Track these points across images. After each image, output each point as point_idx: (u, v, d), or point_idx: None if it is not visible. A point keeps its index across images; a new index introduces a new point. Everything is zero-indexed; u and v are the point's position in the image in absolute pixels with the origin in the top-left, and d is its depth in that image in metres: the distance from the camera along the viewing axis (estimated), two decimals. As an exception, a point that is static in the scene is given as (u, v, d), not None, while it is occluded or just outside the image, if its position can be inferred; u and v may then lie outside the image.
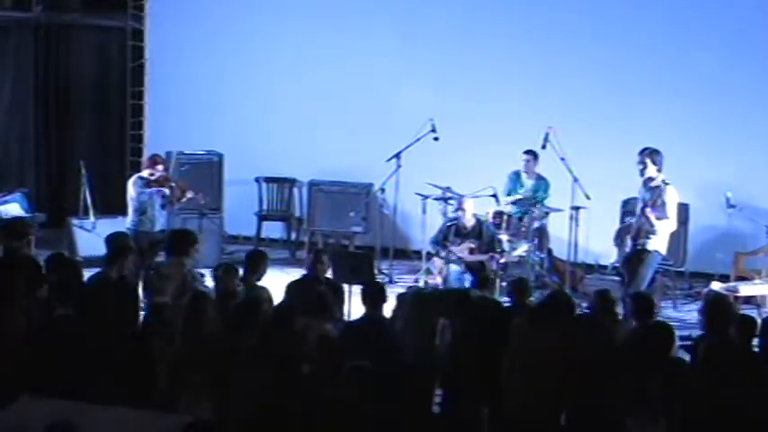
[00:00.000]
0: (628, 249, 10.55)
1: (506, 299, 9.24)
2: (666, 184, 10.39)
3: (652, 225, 10.34)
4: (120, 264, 8.77)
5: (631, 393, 6.94)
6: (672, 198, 10.42)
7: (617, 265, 11.03)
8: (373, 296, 8.11)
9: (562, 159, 11.61)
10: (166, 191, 11.67)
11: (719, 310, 7.70)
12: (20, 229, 9.54)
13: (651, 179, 10.46)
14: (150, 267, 9.57)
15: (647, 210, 10.34)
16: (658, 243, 10.45)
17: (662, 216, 10.36)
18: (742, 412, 6.80)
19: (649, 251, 10.41)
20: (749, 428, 6.86)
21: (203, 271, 9.54)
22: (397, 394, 7.07)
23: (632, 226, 10.57)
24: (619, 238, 10.73)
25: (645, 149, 10.53)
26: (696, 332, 8.32)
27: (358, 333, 7.90)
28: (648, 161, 10.45)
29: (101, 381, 7.33)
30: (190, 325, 7.56)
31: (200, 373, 7.32)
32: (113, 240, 9.20)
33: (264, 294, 8.59)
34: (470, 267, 11.24)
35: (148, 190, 11.54)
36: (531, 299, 8.98)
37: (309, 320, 7.68)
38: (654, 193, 10.40)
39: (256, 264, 8.96)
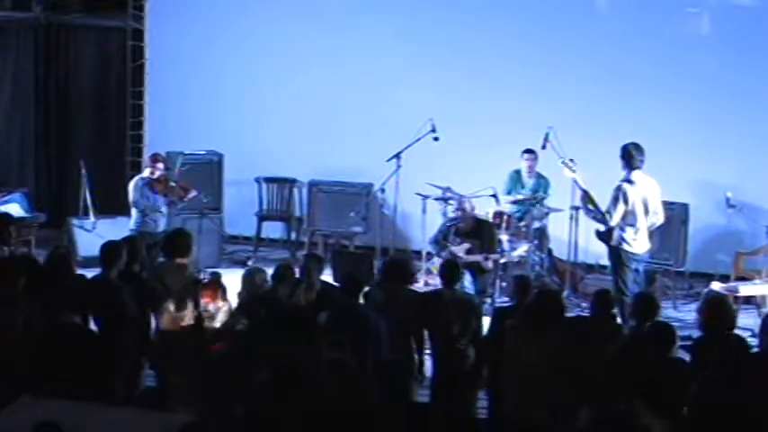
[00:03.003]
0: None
1: (507, 299, 9.22)
2: (623, 181, 10.42)
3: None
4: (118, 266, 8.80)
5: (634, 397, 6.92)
6: (634, 195, 10.40)
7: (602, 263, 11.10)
8: (350, 287, 8.48)
9: (562, 159, 11.61)
10: (173, 197, 11.76)
11: (718, 311, 7.70)
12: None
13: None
14: (153, 269, 9.56)
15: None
16: (634, 244, 10.44)
17: (610, 210, 10.39)
18: (744, 412, 6.79)
19: (617, 250, 10.43)
20: (752, 429, 6.85)
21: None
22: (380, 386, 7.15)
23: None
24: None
25: (625, 146, 10.58)
26: (696, 333, 8.31)
27: (339, 319, 8.18)
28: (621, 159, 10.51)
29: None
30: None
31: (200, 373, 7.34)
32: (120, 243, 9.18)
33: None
34: (469, 267, 11.23)
35: (151, 194, 11.59)
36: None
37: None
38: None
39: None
